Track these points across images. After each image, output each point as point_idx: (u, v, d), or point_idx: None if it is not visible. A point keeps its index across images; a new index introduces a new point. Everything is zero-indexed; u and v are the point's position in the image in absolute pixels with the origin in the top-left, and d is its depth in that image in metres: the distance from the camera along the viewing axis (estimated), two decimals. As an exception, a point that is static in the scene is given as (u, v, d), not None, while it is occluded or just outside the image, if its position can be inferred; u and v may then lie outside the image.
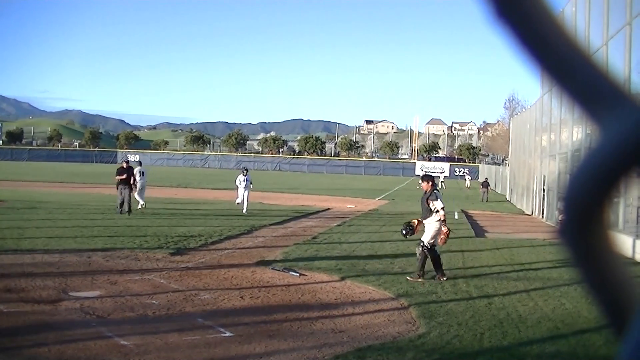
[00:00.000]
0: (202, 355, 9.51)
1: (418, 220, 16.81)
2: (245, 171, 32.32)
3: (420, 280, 15.50)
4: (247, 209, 31.14)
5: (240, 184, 31.93)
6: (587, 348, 10.50)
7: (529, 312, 12.72)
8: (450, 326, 11.35)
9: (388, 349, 9.97)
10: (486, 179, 60.62)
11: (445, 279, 15.69)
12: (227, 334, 10.74)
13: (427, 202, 16.33)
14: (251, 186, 32.67)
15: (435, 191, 16.49)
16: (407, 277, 15.72)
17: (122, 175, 28.99)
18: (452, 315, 12.17)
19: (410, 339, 10.67)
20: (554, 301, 13.76)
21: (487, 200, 51.86)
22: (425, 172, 18.74)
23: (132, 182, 29.24)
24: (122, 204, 28.49)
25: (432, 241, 16.02)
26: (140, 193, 31.45)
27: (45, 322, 10.99)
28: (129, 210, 28.26)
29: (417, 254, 16.04)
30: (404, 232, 17.00)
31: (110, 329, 10.64)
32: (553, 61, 0.74)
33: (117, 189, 28.97)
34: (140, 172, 31.97)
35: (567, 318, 12.31)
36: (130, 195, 28.73)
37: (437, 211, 16.13)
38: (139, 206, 30.73)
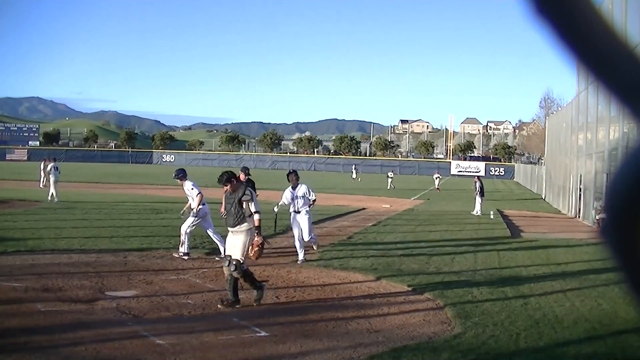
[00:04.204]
0: (237, 355, 9.53)
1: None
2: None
3: (239, 305, 12.54)
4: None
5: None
6: (624, 350, 10.40)
7: (566, 312, 12.60)
8: (485, 326, 11.28)
9: (423, 349, 9.93)
10: (478, 177, 59.97)
11: (238, 305, 12.57)
12: (263, 333, 10.75)
13: (241, 203, 13.12)
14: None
15: (249, 189, 13.43)
16: (218, 306, 12.49)
17: None
18: (488, 316, 12.09)
19: (445, 339, 10.61)
20: (591, 301, 13.62)
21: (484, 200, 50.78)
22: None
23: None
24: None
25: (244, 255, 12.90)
26: (54, 187, 35.33)
27: (81, 321, 11.07)
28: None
29: (226, 274, 12.77)
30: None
31: (146, 328, 10.69)
32: (594, 56, 0.73)
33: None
34: (54, 167, 36.21)
35: (604, 319, 12.18)
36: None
37: (251, 215, 13.09)
38: (49, 199, 34.49)
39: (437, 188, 62.50)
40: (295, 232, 18.27)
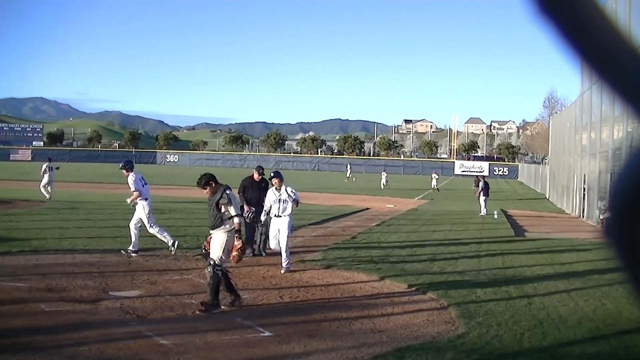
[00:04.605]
0: (241, 355, 9.53)
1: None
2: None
3: (220, 309, 12.27)
4: None
5: None
6: (629, 349, 10.40)
7: (570, 312, 12.59)
8: (489, 326, 11.28)
9: (427, 349, 9.92)
10: (477, 176, 59.86)
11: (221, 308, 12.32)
12: (266, 333, 10.75)
13: (218, 206, 12.88)
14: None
15: (227, 192, 13.02)
16: (197, 312, 12.16)
17: None
18: (492, 316, 12.08)
19: (449, 339, 10.61)
20: (595, 301, 13.61)
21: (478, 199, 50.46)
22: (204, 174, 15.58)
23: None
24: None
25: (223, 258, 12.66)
26: (47, 186, 36.17)
27: (85, 321, 11.09)
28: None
29: (208, 277, 12.52)
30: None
31: (150, 329, 10.70)
32: (598, 55, 0.73)
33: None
34: (48, 167, 36.71)
35: (608, 319, 12.17)
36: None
37: (231, 218, 12.84)
38: (47, 198, 35.20)
39: (436, 188, 62.10)
40: (272, 241, 16.82)
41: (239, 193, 18.51)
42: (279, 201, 16.69)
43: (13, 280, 14.02)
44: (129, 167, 18.72)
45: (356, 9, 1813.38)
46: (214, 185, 13.02)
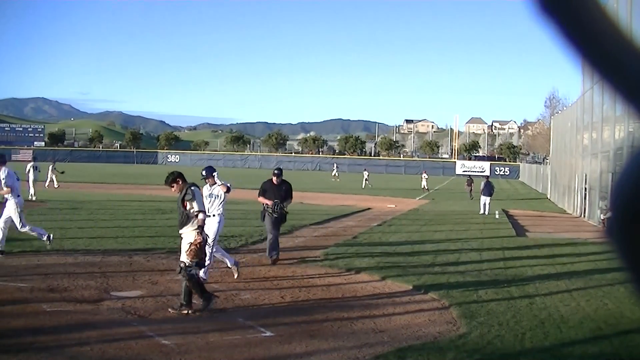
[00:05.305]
0: (243, 355, 9.54)
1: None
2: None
3: (186, 312, 12.01)
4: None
5: None
6: (630, 349, 10.39)
7: (571, 312, 12.60)
8: (491, 326, 11.28)
9: (429, 349, 9.93)
10: (470, 176, 59.68)
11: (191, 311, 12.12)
12: (268, 333, 10.76)
13: (184, 203, 12.64)
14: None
15: (192, 188, 12.73)
16: (169, 310, 12.11)
17: None
18: (493, 316, 12.08)
19: (451, 339, 10.61)
20: (597, 301, 13.61)
21: (472, 198, 50.52)
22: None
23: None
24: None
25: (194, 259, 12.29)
26: (34, 186, 36.33)
27: (87, 321, 11.09)
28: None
29: (183, 284, 12.31)
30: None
31: (152, 329, 10.71)
32: (600, 54, 0.73)
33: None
34: (33, 167, 37.33)
35: (610, 318, 12.17)
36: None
37: (197, 215, 12.50)
38: (31, 197, 34.68)
39: (426, 188, 61.79)
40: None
41: (259, 196, 18.23)
42: (210, 196, 15.62)
43: (15, 280, 14.03)
44: (1, 161, 17.89)
45: (357, 9, 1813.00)
46: (180, 183, 12.81)
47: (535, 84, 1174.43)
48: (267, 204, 17.85)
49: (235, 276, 15.31)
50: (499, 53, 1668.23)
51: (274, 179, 18.20)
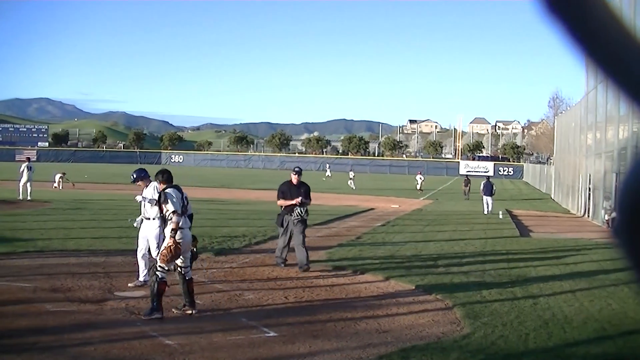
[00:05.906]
0: (246, 355, 9.53)
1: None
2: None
3: (157, 315, 11.49)
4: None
5: None
6: (634, 349, 10.37)
7: (575, 312, 12.57)
8: (495, 327, 11.26)
9: (432, 349, 9.91)
10: (467, 176, 59.63)
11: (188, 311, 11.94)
12: (271, 334, 10.75)
13: (160, 207, 12.23)
14: None
15: (168, 189, 12.16)
16: (173, 310, 11.93)
17: None
18: (497, 316, 12.07)
19: (454, 339, 10.60)
20: (601, 302, 13.58)
21: (468, 198, 50.43)
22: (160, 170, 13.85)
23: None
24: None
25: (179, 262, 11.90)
26: (26, 185, 36.25)
27: (90, 321, 11.10)
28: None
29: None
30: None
31: (155, 329, 10.71)
32: (604, 53, 0.72)
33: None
34: (27, 167, 36.93)
35: (613, 319, 12.14)
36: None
37: (170, 217, 11.89)
38: (22, 197, 35.56)
39: (420, 189, 61.33)
40: (141, 242, 14.44)
41: (278, 199, 17.15)
42: (144, 199, 14.38)
43: (18, 280, 14.03)
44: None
45: (360, 9, 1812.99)
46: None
47: (539, 84, 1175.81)
48: (293, 203, 16.64)
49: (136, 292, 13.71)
50: (502, 53, 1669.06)
51: (294, 178, 17.00)
